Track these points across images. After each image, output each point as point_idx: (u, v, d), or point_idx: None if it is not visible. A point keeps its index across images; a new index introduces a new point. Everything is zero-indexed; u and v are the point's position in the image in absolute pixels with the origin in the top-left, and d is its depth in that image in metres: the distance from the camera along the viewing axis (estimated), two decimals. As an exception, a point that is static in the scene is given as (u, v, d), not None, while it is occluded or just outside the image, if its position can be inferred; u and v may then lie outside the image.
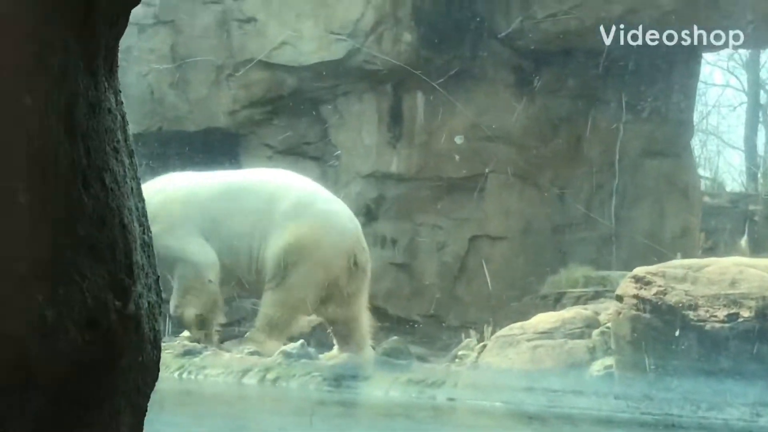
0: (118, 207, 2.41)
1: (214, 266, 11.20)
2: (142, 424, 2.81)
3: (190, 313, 11.25)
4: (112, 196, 2.38)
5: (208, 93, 14.37)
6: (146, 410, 2.81)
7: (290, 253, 11.07)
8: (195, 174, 11.83)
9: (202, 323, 11.31)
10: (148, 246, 2.84)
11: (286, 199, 11.32)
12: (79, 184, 2.25)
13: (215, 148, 14.26)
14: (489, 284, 13.53)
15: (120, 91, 2.78)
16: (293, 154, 14.42)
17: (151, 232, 2.92)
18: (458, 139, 13.97)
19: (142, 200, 2.85)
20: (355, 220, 11.60)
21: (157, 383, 2.95)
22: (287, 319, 11.16)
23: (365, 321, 11.34)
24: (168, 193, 11.33)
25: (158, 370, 2.87)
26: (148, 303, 2.71)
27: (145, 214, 2.86)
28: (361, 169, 14.30)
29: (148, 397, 2.83)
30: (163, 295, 2.94)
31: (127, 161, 2.67)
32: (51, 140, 2.15)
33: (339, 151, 14.22)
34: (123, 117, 2.73)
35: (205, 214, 11.32)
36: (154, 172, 13.99)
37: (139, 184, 2.87)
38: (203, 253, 11.19)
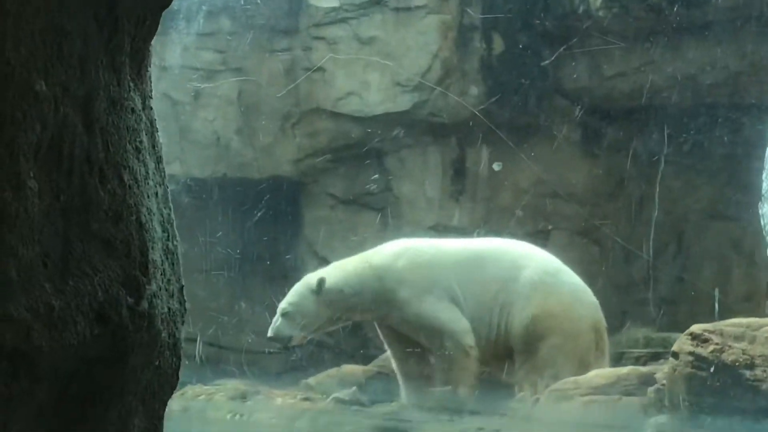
0: (135, 205, 2.40)
1: (470, 332, 11.03)
2: (158, 430, 2.78)
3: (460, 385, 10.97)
4: (130, 193, 2.38)
5: (274, 141, 14.45)
6: (162, 417, 2.79)
7: (539, 323, 10.96)
8: (427, 240, 11.70)
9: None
10: (172, 253, 2.83)
11: (530, 269, 11.13)
12: (95, 177, 2.26)
13: (279, 195, 14.32)
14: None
15: (150, 97, 2.78)
16: (356, 204, 14.43)
17: (177, 240, 2.91)
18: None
19: (169, 207, 2.84)
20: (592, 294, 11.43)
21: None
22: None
23: None
24: (411, 257, 11.28)
25: (177, 378, 2.84)
26: (169, 309, 2.69)
27: (171, 222, 2.85)
28: (423, 222, 14.25)
29: (165, 404, 2.80)
30: (188, 305, 2.90)
31: (152, 165, 2.66)
32: (66, 130, 2.15)
33: (399, 203, 14.20)
34: (152, 122, 2.73)
35: (452, 282, 11.16)
36: (217, 216, 14.11)
37: (166, 191, 2.86)
38: (458, 320, 11.03)
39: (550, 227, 14.09)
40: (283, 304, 11.08)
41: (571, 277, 11.36)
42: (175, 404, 10.74)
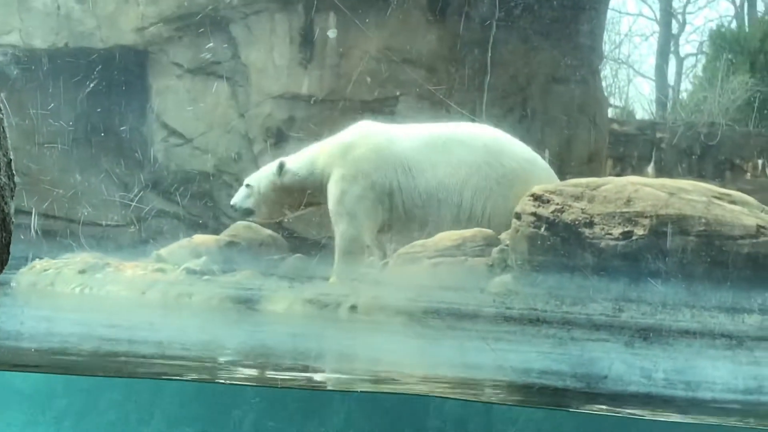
0: (-47, 78, 2.34)
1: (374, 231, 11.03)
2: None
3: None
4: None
5: (116, 9, 14.10)
6: (-6, 291, 2.78)
7: None
8: (388, 125, 11.47)
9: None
10: (-2, 127, 2.78)
11: (507, 156, 11.03)
12: None
13: (123, 65, 14.04)
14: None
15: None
16: (203, 73, 14.25)
17: (2, 114, 2.86)
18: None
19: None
20: None
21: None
22: None
23: None
24: (363, 136, 11.11)
25: (8, 253, 2.82)
26: (-4, 183, 2.65)
27: (-4, 96, 2.80)
28: (271, 90, 14.17)
29: (-3, 279, 2.79)
30: (17, 179, 2.87)
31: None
32: None
33: (247, 71, 14.07)
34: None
35: (401, 165, 11.03)
36: (62, 87, 13.77)
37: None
38: (372, 218, 10.98)
39: (398, 93, 14.16)
40: (248, 178, 11.44)
41: (544, 162, 11.49)
42: (23, 279, 10.62)
